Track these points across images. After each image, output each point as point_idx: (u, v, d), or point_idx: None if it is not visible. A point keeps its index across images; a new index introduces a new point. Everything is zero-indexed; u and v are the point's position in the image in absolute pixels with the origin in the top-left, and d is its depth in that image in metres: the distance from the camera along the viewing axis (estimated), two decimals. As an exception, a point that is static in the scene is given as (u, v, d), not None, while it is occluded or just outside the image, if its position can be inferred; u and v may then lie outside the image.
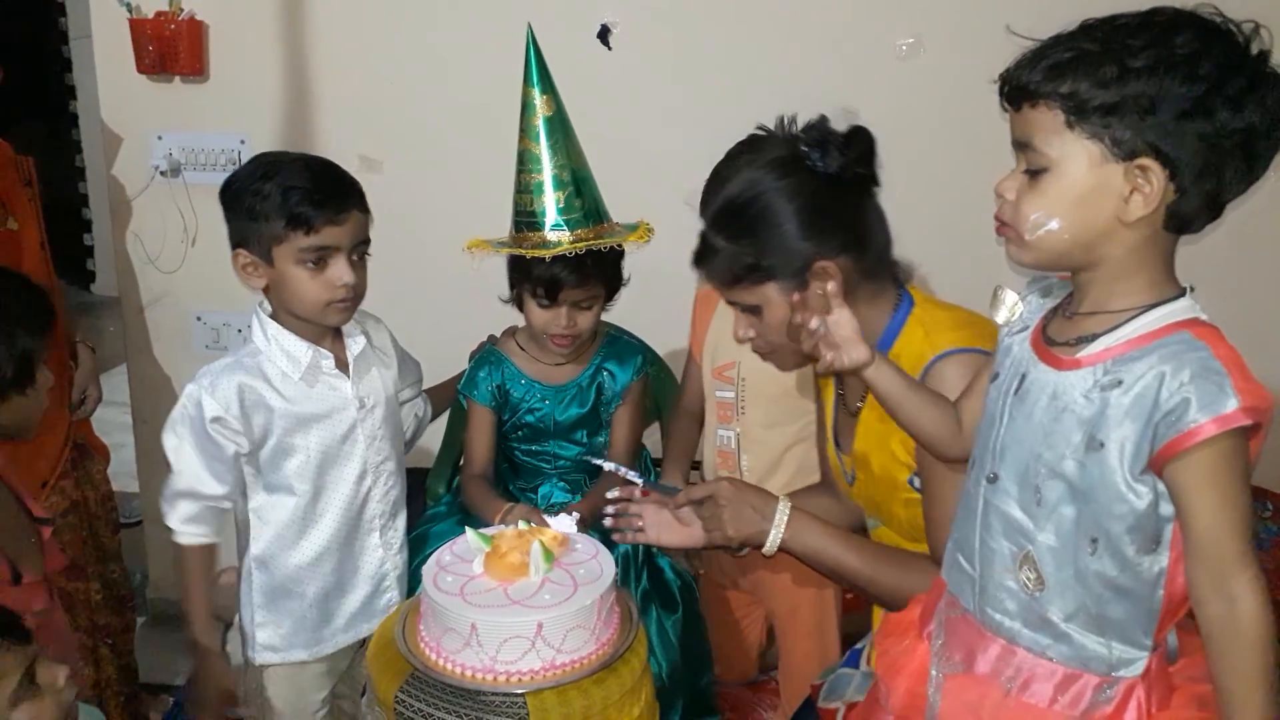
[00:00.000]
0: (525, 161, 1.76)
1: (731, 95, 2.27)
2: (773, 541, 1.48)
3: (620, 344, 1.94)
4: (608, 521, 1.60)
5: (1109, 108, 0.98)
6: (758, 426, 1.85)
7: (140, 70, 2.43)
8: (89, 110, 5.13)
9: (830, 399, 1.59)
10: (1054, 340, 1.10)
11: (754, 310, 1.45)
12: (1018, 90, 1.03)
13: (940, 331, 1.41)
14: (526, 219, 1.77)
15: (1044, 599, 1.09)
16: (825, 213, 1.40)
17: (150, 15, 2.38)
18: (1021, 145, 1.05)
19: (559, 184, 1.74)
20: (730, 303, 1.49)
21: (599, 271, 1.78)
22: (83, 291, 5.45)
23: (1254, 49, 0.98)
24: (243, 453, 1.62)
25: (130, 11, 2.38)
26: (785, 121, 1.78)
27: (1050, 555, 1.08)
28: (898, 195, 2.37)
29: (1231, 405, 0.95)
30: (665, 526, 1.60)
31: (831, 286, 1.32)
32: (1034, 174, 1.03)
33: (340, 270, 1.56)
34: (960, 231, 2.30)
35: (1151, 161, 0.98)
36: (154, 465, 2.63)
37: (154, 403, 2.64)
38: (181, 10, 2.38)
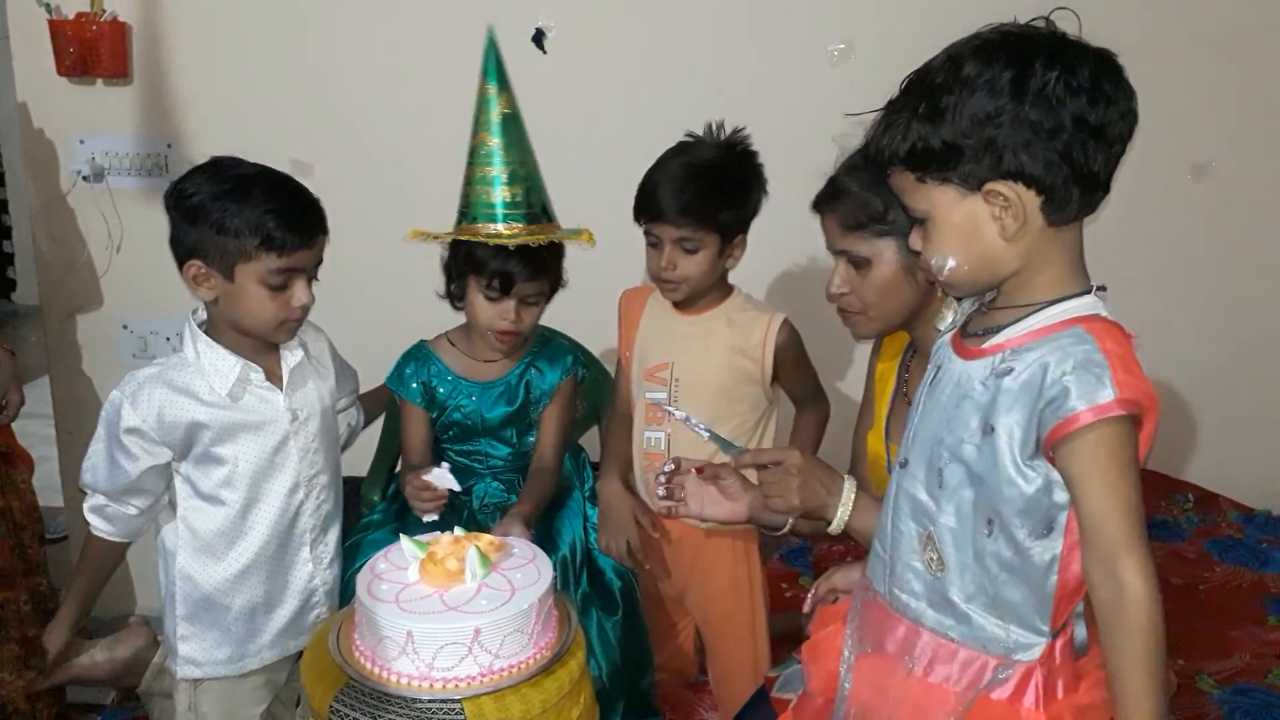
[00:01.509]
0: (479, 155, 1.78)
1: (667, 100, 2.28)
2: (840, 519, 1.44)
3: (551, 344, 1.95)
4: (660, 492, 1.56)
5: (939, 155, 1.05)
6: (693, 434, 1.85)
7: (61, 73, 2.36)
8: (7, 113, 4.98)
9: (889, 388, 1.60)
10: (968, 332, 1.15)
11: (862, 263, 1.44)
12: (875, 163, 1.13)
13: None
14: (477, 211, 1.77)
15: (945, 579, 1.13)
16: None
17: (71, 16, 2.32)
18: (903, 204, 1.13)
19: (513, 178, 1.77)
20: (837, 252, 1.47)
21: (550, 268, 1.80)
22: (4, 300, 5.29)
23: (1042, 42, 1.03)
24: (160, 464, 1.60)
25: (49, 12, 2.32)
26: (714, 127, 1.81)
27: (950, 536, 1.13)
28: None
29: (1108, 396, 0.99)
30: (709, 500, 1.54)
31: None
32: (921, 223, 1.11)
33: (300, 292, 1.57)
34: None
35: (998, 184, 1.04)
36: (79, 478, 2.56)
37: (79, 414, 2.57)
38: (104, 11, 2.32)
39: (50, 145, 2.46)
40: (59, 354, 2.60)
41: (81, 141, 2.44)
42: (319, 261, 1.62)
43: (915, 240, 1.14)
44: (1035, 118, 1.01)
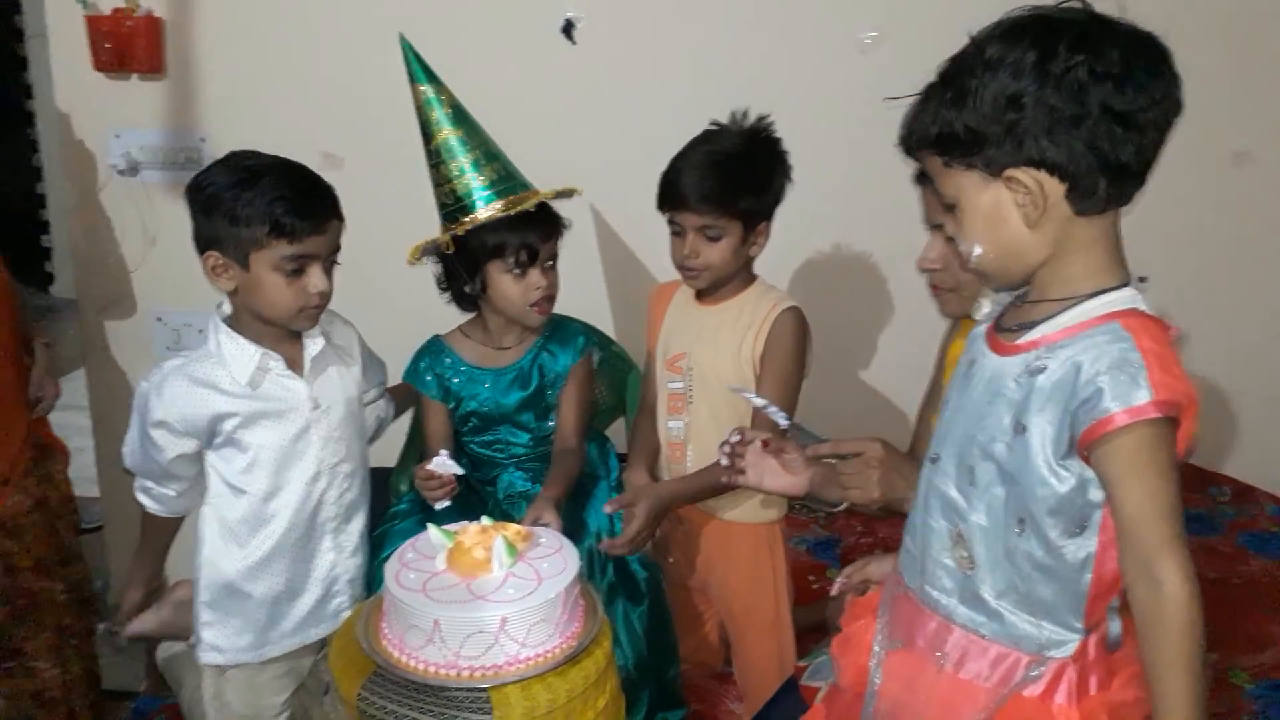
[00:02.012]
0: (444, 153, 1.80)
1: (696, 90, 2.27)
2: None
3: (563, 327, 1.95)
4: (723, 461, 1.56)
5: (963, 141, 1.03)
6: (704, 417, 1.86)
7: (97, 68, 2.39)
8: (46, 109, 5.05)
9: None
10: (1003, 326, 1.13)
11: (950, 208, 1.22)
12: (905, 150, 1.12)
13: None
14: (463, 204, 1.79)
15: (976, 577, 1.12)
16: None
17: (107, 12, 2.35)
18: (938, 190, 1.12)
19: (489, 158, 1.80)
20: (936, 226, 1.43)
21: (556, 225, 1.84)
22: (41, 293, 5.36)
23: (1071, 24, 1.00)
24: (189, 453, 1.64)
25: (86, 8, 2.35)
26: (738, 116, 1.80)
27: (981, 534, 1.11)
28: (863, 188, 2.42)
29: (1144, 397, 0.97)
30: (769, 471, 1.54)
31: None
32: (952, 209, 1.10)
33: (316, 279, 1.59)
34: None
35: (1018, 170, 1.02)
36: (114, 469, 2.58)
37: (114, 406, 2.60)
38: (139, 7, 2.34)
39: (86, 140, 2.49)
40: (94, 346, 2.64)
41: (117, 136, 2.47)
42: (335, 248, 1.63)
43: (949, 227, 1.12)
44: (1057, 103, 0.98)
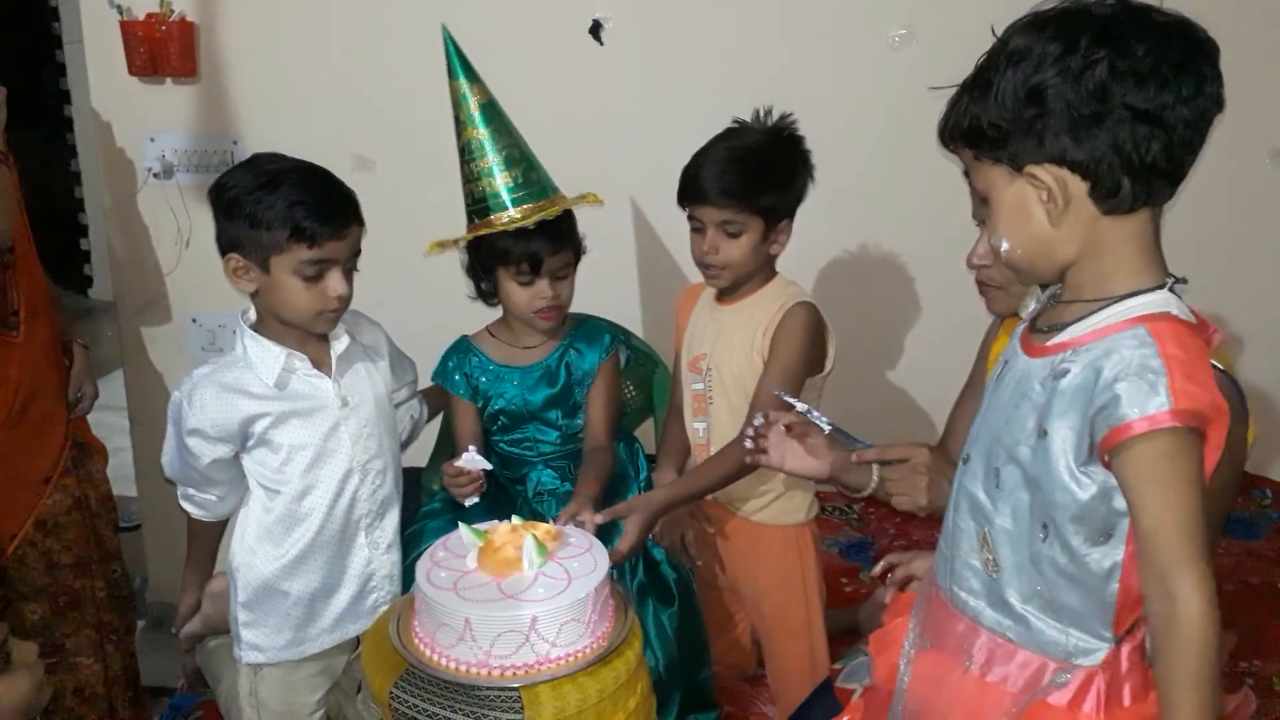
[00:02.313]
0: (471, 151, 1.81)
1: (721, 88, 2.27)
2: None
3: (588, 324, 1.95)
4: (747, 444, 1.54)
5: (988, 135, 1.01)
6: (725, 418, 1.85)
7: (132, 72, 2.42)
8: (84, 114, 5.13)
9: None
10: (1036, 327, 1.11)
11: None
12: (942, 141, 1.10)
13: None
14: (485, 205, 1.79)
15: (1001, 581, 1.10)
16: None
17: (141, 17, 2.38)
18: (971, 182, 1.10)
19: (511, 163, 1.79)
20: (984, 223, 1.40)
21: (569, 237, 1.82)
22: (80, 296, 5.44)
23: (1098, 16, 0.97)
24: (226, 458, 1.67)
25: (121, 14, 2.38)
26: (761, 114, 1.79)
27: (1006, 538, 1.09)
28: (891, 187, 2.41)
29: (1161, 405, 0.94)
30: (792, 454, 1.52)
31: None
32: (985, 203, 1.08)
33: (336, 283, 1.60)
34: (955, 224, 2.30)
35: (1037, 167, 1.00)
36: (152, 468, 2.61)
37: (151, 405, 2.64)
38: (172, 12, 2.37)
39: (122, 144, 2.53)
40: (131, 348, 2.67)
41: (151, 140, 2.50)
42: (355, 253, 1.64)
43: (980, 219, 1.11)
44: (1077, 100, 0.95)
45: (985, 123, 1.01)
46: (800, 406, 1.55)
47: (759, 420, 1.53)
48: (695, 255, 1.81)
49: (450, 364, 1.93)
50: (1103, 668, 1.06)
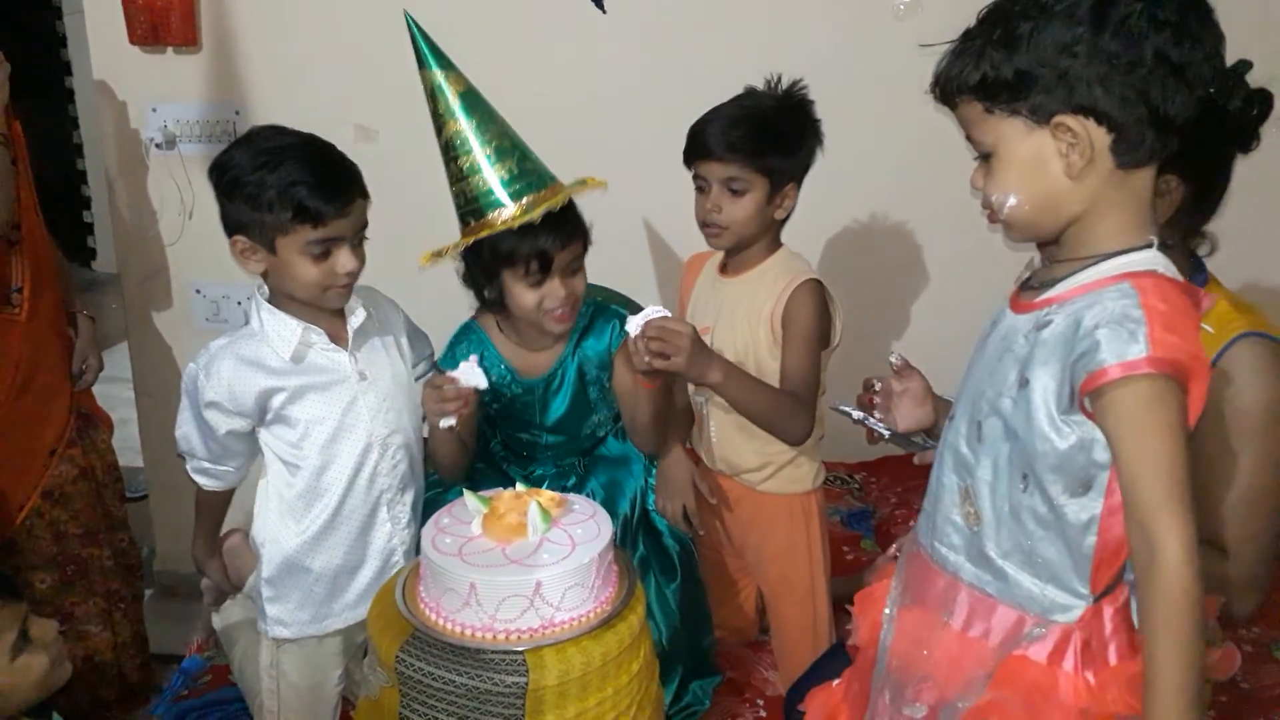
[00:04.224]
0: (454, 147, 1.64)
1: (727, 55, 2.26)
2: None
3: (593, 313, 1.81)
4: (859, 416, 1.46)
5: (1010, 85, 1.01)
6: None
7: (133, 41, 2.41)
8: (85, 85, 5.11)
9: None
10: (1028, 285, 1.12)
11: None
12: (941, 94, 1.09)
13: (1247, 310, 1.33)
14: (478, 205, 1.64)
15: (982, 534, 1.12)
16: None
17: (141, -15, 2.37)
18: (967, 138, 1.10)
19: (501, 154, 1.63)
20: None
21: (576, 228, 1.68)
22: (84, 269, 5.44)
23: None
24: (243, 430, 1.66)
25: (121, -18, 2.37)
26: (772, 82, 1.78)
27: (987, 490, 1.11)
28: (899, 157, 2.39)
29: (1138, 352, 0.95)
30: (902, 415, 1.43)
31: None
32: (985, 159, 1.08)
33: (344, 259, 1.58)
34: (964, 193, 2.29)
35: (1068, 116, 1.00)
36: (158, 439, 2.64)
37: (156, 376, 2.65)
38: (173, -20, 2.36)
39: (124, 114, 2.53)
40: (136, 319, 2.68)
41: (154, 110, 2.49)
42: (362, 225, 1.61)
43: (977, 177, 1.10)
44: (1114, 49, 0.96)
45: (1010, 72, 1.00)
46: (856, 414, 1.51)
47: (877, 385, 1.47)
48: (698, 216, 1.79)
49: (460, 349, 1.80)
50: (1079, 625, 1.08)
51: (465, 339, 1.82)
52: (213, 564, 1.81)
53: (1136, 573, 0.99)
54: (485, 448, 1.91)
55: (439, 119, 1.66)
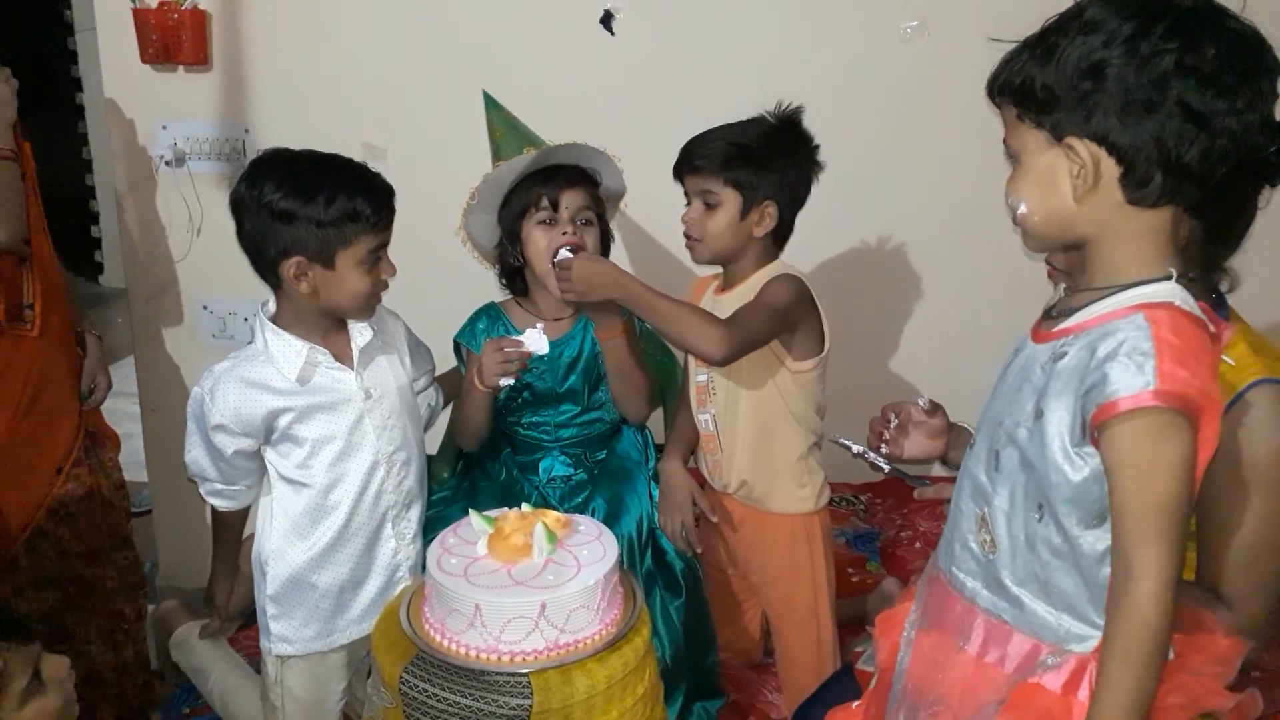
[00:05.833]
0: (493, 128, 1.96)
1: (731, 81, 2.27)
2: None
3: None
4: (874, 452, 1.48)
5: (1038, 98, 1.01)
6: (727, 406, 1.85)
7: (144, 60, 2.43)
8: (95, 102, 5.15)
9: None
10: (1049, 314, 1.12)
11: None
12: (988, 91, 1.09)
13: (1266, 352, 1.29)
14: (505, 153, 1.86)
15: (997, 562, 1.11)
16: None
17: (154, 5, 2.38)
18: (1005, 139, 1.10)
19: (530, 141, 1.89)
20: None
21: (584, 178, 1.84)
22: (91, 284, 5.46)
23: (1182, 7, 0.97)
24: (251, 450, 1.68)
25: (134, 2, 2.39)
26: (782, 107, 1.80)
27: (1003, 519, 1.10)
28: (903, 180, 2.40)
29: (1145, 385, 0.95)
30: (911, 444, 1.45)
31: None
32: (1013, 161, 1.08)
33: (387, 266, 1.65)
34: (970, 217, 2.30)
35: (1078, 140, 1.00)
36: (163, 454, 2.64)
37: (162, 392, 2.65)
38: (184, 0, 2.38)
39: (134, 132, 2.54)
40: (143, 335, 2.68)
41: (164, 127, 2.51)
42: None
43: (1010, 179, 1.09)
44: (1136, 84, 0.96)
45: (1039, 84, 1.01)
46: (856, 448, 1.52)
47: (892, 415, 1.46)
48: (683, 231, 1.83)
49: (479, 325, 1.92)
50: (1094, 656, 1.07)
51: (484, 315, 1.94)
52: (221, 585, 1.84)
53: (1110, 592, 0.99)
54: (496, 450, 1.94)
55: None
